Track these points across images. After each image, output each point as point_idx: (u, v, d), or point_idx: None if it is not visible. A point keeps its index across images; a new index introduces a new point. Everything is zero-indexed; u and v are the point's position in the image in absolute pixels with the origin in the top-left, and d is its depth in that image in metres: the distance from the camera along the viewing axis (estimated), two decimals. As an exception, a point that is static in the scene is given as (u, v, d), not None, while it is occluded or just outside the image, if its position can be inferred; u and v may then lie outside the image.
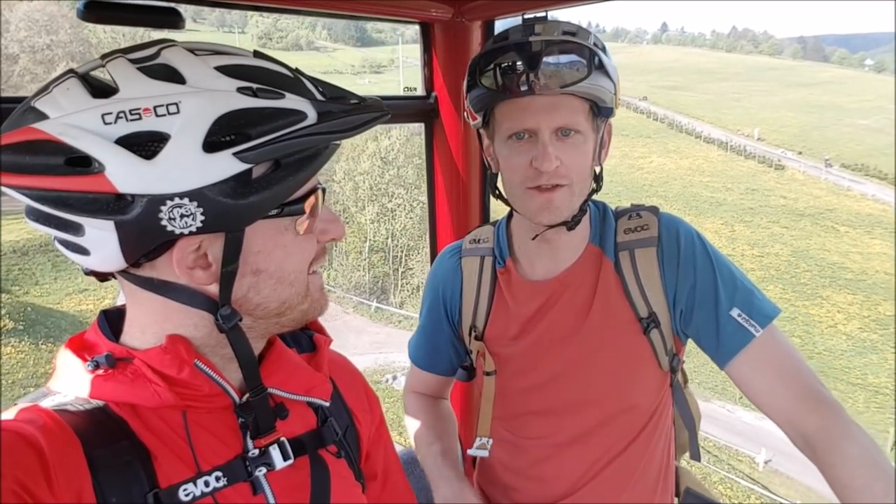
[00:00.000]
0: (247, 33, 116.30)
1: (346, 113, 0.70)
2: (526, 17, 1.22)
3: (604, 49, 1.15)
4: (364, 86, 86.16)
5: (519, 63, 1.11)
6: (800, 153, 59.08)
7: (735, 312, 1.14)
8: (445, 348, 1.45)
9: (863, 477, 0.99)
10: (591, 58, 1.11)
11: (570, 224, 1.20)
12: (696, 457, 1.39)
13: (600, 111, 1.17)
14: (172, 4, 1.23)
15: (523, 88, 1.10)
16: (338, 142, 0.70)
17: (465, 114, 1.26)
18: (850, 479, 1.00)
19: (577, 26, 1.15)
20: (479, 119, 1.23)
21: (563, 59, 1.10)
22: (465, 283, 1.37)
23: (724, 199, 48.64)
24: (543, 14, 1.22)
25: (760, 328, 1.13)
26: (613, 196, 50.85)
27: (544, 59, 1.09)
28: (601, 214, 1.31)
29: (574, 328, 1.25)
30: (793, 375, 1.11)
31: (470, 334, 1.37)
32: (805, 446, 1.08)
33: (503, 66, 1.13)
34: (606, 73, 1.13)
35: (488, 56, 1.15)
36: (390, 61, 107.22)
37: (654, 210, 1.28)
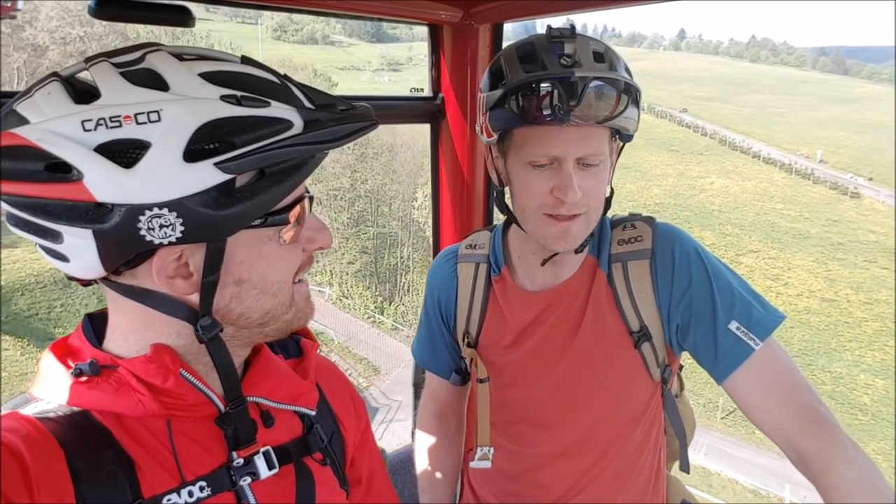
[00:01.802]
0: (261, 24, 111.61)
1: (335, 122, 0.68)
2: (553, 29, 1.11)
3: (629, 71, 1.11)
4: (384, 84, 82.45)
5: (557, 93, 1.03)
6: (870, 179, 56.00)
7: (734, 325, 1.11)
8: (443, 351, 1.46)
9: (860, 500, 0.97)
10: (629, 92, 1.07)
11: (579, 248, 1.19)
12: (685, 468, 1.37)
13: (620, 137, 1.15)
14: (183, 2, 1.24)
15: (558, 118, 1.04)
16: (325, 151, 0.69)
17: (479, 129, 1.20)
18: (846, 502, 0.98)
19: (604, 45, 1.11)
20: (495, 137, 1.15)
21: (605, 92, 1.05)
22: (460, 288, 1.37)
23: (806, 230, 45.40)
24: (569, 26, 1.12)
25: (760, 341, 1.09)
26: (682, 222, 47.43)
27: (585, 93, 1.03)
28: (599, 224, 1.24)
29: (567, 340, 1.24)
30: (791, 392, 1.08)
31: (463, 340, 1.37)
32: (801, 465, 1.05)
33: (538, 93, 1.05)
34: (637, 105, 1.10)
35: (524, 85, 1.06)
36: (408, 59, 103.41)
37: (649, 220, 1.25)
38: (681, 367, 1.37)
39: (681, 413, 1.32)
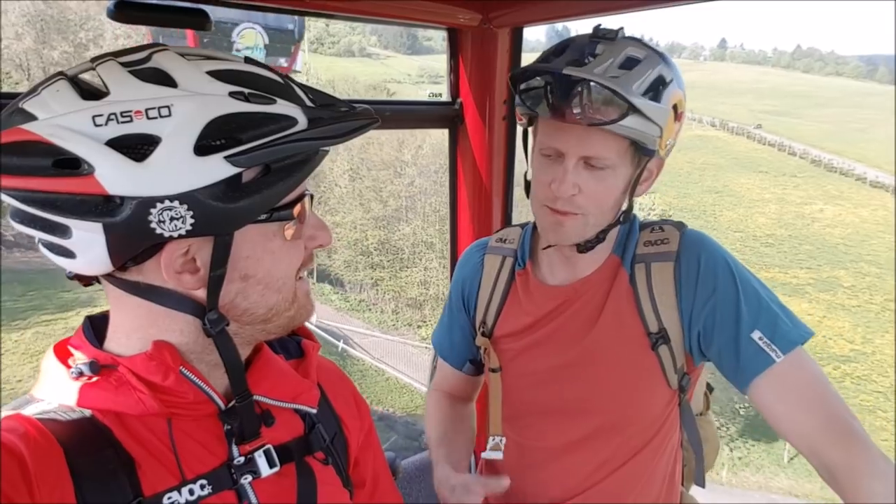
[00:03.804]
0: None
1: (336, 119, 0.70)
2: (597, 29, 1.13)
3: (663, 84, 1.09)
4: (426, 97, 77.96)
5: (551, 89, 1.07)
6: None
7: (756, 335, 1.10)
8: (462, 341, 1.48)
9: None
10: (627, 105, 1.05)
11: (582, 248, 1.20)
12: (700, 483, 1.37)
13: (644, 149, 1.12)
14: (201, 6, 1.26)
15: (550, 113, 1.08)
16: (327, 148, 0.71)
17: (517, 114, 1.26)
18: None
19: (646, 49, 1.10)
20: (525, 121, 1.23)
21: (595, 98, 1.05)
22: (484, 279, 1.40)
23: (958, 270, 39.76)
24: (617, 29, 1.13)
25: (782, 354, 1.08)
26: (807, 258, 41.92)
27: (575, 94, 1.04)
28: (629, 225, 1.27)
29: (581, 334, 1.25)
30: (818, 404, 1.06)
31: (479, 329, 1.40)
32: (829, 478, 1.03)
33: (538, 86, 1.10)
34: (646, 118, 1.07)
35: (528, 73, 1.12)
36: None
37: (678, 225, 1.25)
38: (710, 388, 1.35)
39: (702, 430, 1.33)
